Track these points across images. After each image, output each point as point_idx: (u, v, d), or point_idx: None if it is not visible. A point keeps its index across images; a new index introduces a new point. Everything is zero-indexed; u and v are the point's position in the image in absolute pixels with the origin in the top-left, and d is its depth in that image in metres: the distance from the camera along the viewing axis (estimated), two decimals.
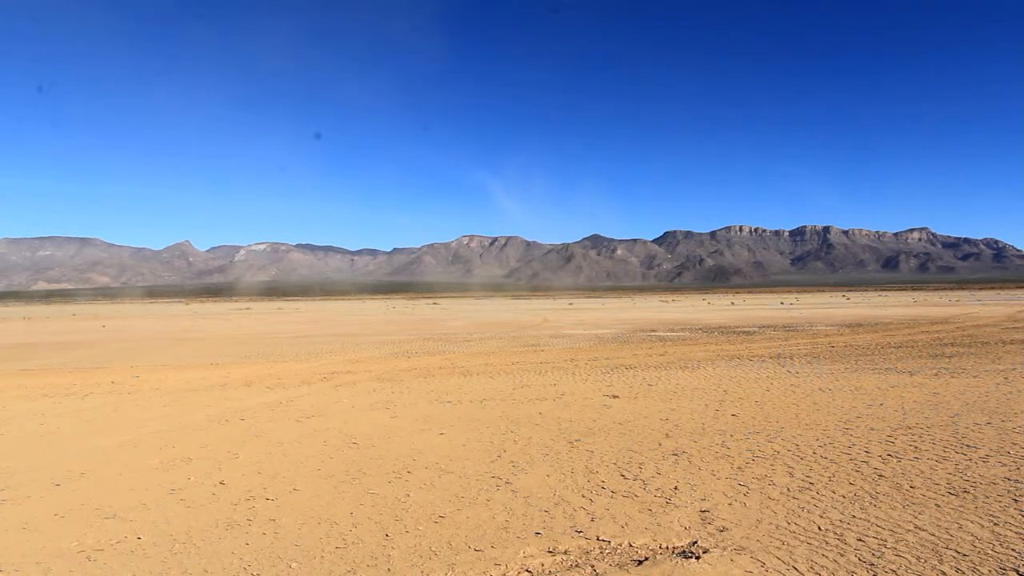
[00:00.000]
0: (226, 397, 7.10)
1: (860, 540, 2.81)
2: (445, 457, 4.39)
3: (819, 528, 2.96)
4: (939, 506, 3.21)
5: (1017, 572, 2.49)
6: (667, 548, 2.80)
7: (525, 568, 2.65)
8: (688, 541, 2.86)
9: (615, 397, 6.62)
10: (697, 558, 2.66)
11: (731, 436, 4.78)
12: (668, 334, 16.22)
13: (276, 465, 4.25)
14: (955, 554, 2.66)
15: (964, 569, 2.52)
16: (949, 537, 2.83)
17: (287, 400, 6.84)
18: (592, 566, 2.65)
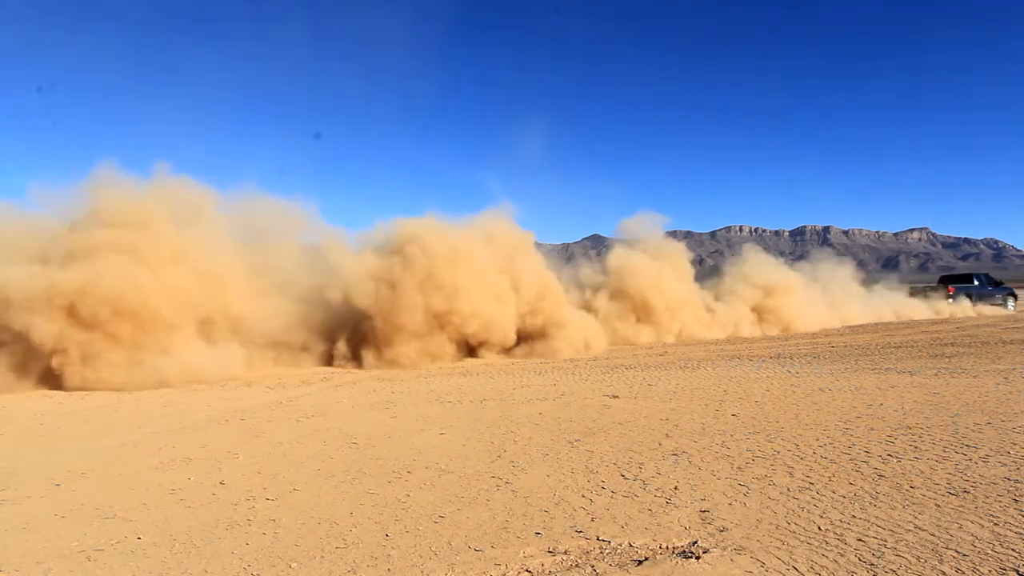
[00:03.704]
0: (226, 397, 7.11)
1: (860, 540, 2.81)
2: (445, 457, 4.39)
3: (819, 528, 2.96)
4: (939, 506, 3.21)
5: (1017, 572, 2.49)
6: (667, 548, 2.81)
7: (525, 568, 2.65)
8: (688, 541, 2.86)
9: (615, 397, 6.63)
10: (697, 558, 2.66)
11: (731, 436, 4.78)
12: None
13: (276, 465, 4.25)
14: (955, 554, 2.66)
15: (964, 569, 2.52)
16: (949, 537, 2.83)
17: (287, 400, 6.85)
18: (592, 566, 2.65)
